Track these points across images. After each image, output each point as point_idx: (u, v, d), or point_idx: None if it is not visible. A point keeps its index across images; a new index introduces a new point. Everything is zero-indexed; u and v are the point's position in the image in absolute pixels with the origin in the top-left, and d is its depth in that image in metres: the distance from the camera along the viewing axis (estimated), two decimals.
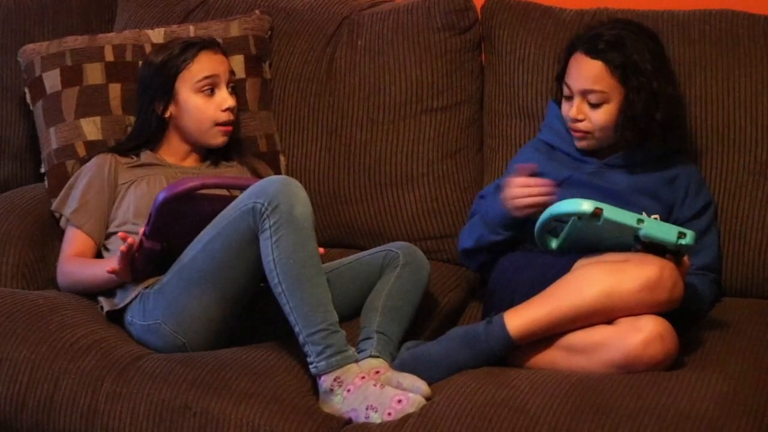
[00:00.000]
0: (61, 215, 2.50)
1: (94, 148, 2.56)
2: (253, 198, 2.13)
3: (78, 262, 2.41)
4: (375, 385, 2.05)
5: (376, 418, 2.02)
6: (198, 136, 2.52)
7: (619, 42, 2.31)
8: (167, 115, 2.50)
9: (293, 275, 2.09)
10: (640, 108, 2.30)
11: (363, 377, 2.07)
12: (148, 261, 2.25)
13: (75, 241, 2.44)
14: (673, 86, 2.37)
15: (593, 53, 2.32)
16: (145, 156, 2.52)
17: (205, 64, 2.50)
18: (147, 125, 2.52)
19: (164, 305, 2.23)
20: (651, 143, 2.34)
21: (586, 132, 2.36)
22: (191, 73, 2.48)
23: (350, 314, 2.31)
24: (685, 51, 2.47)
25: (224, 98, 2.50)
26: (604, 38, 2.32)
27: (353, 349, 2.12)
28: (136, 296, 2.29)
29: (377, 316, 2.23)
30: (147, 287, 2.29)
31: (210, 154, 2.57)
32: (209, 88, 2.49)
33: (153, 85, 2.50)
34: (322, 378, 2.08)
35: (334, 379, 2.07)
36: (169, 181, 2.41)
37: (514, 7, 2.65)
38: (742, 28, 2.49)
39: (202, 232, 2.21)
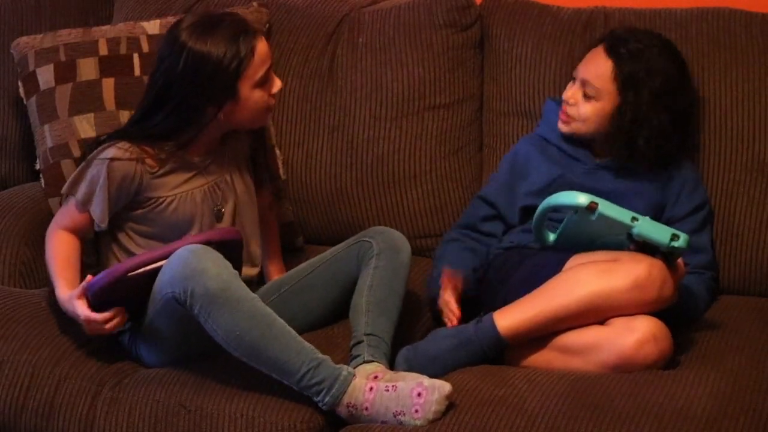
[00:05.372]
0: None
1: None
2: (168, 288, 2.07)
3: (55, 250, 2.26)
4: (387, 390, 2.02)
5: (408, 421, 1.99)
6: (249, 125, 2.32)
7: (638, 56, 2.32)
8: (221, 117, 2.23)
9: (247, 344, 2.04)
10: (627, 123, 2.32)
11: (371, 388, 2.03)
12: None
13: (73, 218, 2.28)
14: (671, 123, 2.33)
15: (611, 52, 2.34)
16: (171, 157, 2.26)
17: (262, 55, 2.21)
18: (186, 125, 2.23)
19: (143, 353, 2.23)
20: (637, 162, 2.34)
21: (569, 117, 2.38)
22: (254, 68, 2.20)
23: (338, 314, 2.31)
24: (682, 49, 2.45)
25: (276, 83, 2.27)
26: (628, 45, 2.33)
27: (345, 367, 2.07)
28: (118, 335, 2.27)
29: (363, 317, 2.20)
30: (120, 333, 2.26)
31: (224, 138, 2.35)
32: (267, 79, 2.25)
33: (208, 87, 2.18)
34: (337, 411, 2.04)
35: (347, 406, 2.03)
36: (203, 198, 2.30)
37: (512, 6, 2.65)
38: (740, 26, 2.49)
39: (149, 305, 2.16)
